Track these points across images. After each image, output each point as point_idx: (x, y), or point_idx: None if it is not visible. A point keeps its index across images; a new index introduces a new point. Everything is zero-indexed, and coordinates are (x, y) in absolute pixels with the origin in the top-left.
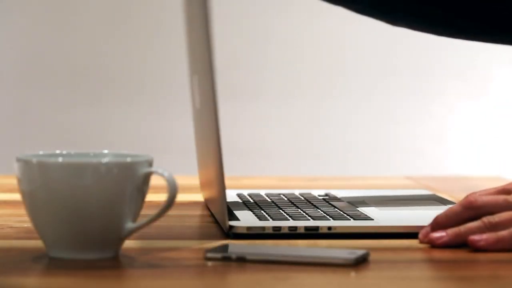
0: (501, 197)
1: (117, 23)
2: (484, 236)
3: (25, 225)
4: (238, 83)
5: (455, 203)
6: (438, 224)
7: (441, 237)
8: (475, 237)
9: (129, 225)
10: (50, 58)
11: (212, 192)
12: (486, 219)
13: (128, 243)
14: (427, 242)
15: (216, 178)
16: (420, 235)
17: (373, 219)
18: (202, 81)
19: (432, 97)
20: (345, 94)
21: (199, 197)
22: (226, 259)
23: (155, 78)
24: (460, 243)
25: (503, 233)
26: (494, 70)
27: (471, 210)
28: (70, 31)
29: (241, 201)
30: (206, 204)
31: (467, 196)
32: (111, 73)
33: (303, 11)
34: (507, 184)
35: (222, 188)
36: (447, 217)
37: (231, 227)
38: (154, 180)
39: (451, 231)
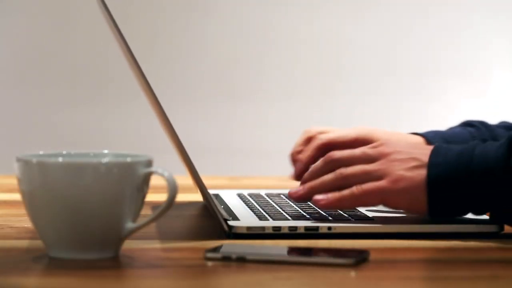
0: (358, 150)
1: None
2: (329, 195)
3: (25, 225)
4: (238, 83)
5: None
6: (304, 180)
7: (297, 191)
8: (318, 197)
9: (129, 225)
10: (50, 58)
11: (201, 193)
12: (339, 171)
13: (128, 243)
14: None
15: (194, 178)
16: (289, 192)
17: (373, 219)
18: (142, 85)
19: (432, 96)
20: (345, 94)
21: (199, 197)
22: (226, 259)
23: (155, 78)
24: (315, 195)
25: (345, 192)
26: (495, 70)
27: (330, 163)
28: (70, 31)
29: (241, 201)
30: (206, 204)
31: (330, 152)
32: (111, 73)
33: (303, 11)
34: (361, 130)
35: (203, 187)
36: (310, 173)
37: (231, 227)
38: (154, 180)
39: (308, 184)
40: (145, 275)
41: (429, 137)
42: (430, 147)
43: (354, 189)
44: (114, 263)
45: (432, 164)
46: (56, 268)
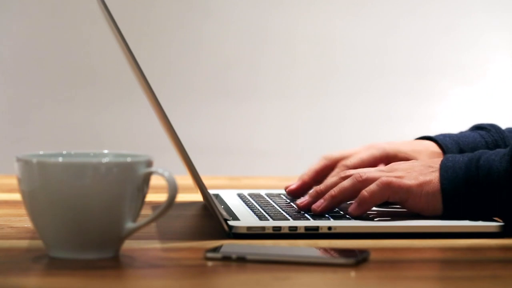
0: (373, 168)
1: (117, 22)
2: (357, 199)
3: (25, 225)
4: (237, 83)
5: None
6: (317, 193)
7: (320, 204)
8: (351, 207)
9: (129, 225)
10: (50, 58)
11: (201, 193)
12: (357, 174)
13: (128, 243)
14: (307, 211)
15: (194, 178)
16: (298, 203)
17: (373, 219)
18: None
19: (430, 97)
20: (344, 93)
21: (199, 197)
22: (226, 259)
23: (155, 78)
24: (338, 205)
25: (371, 187)
26: (493, 70)
27: (346, 178)
28: (70, 31)
29: (241, 201)
30: (206, 204)
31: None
32: (111, 73)
33: (300, 12)
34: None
35: (203, 187)
36: (325, 186)
37: (231, 227)
38: (154, 180)
39: (328, 195)
40: (145, 275)
41: (443, 143)
42: (439, 160)
43: (379, 182)
44: (114, 263)
45: (443, 177)
46: (56, 268)
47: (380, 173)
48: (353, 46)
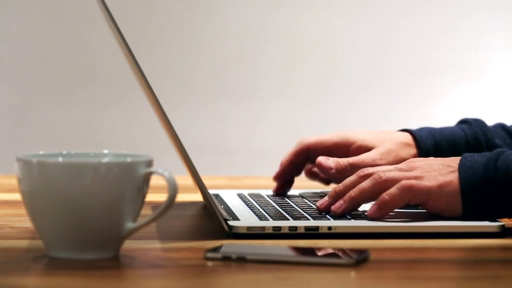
0: (392, 166)
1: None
2: (377, 201)
3: (25, 225)
4: (237, 83)
5: None
6: (337, 194)
7: (340, 205)
8: (371, 209)
9: (129, 225)
10: (50, 58)
11: (201, 193)
12: (377, 175)
13: (128, 243)
14: (327, 213)
15: (194, 178)
16: (318, 204)
17: (373, 219)
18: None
19: (429, 97)
20: (343, 93)
21: (199, 197)
22: (226, 259)
23: (155, 78)
24: (358, 206)
25: (392, 190)
26: (492, 70)
27: (365, 177)
28: (70, 31)
29: (241, 201)
30: (206, 204)
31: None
32: (111, 73)
33: (299, 12)
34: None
35: (203, 187)
36: (344, 186)
37: (231, 227)
38: (154, 180)
39: (347, 196)
40: (145, 275)
41: (418, 134)
42: (458, 159)
43: (399, 185)
44: (114, 263)
45: (463, 177)
46: (56, 268)
47: (400, 173)
48: (353, 46)
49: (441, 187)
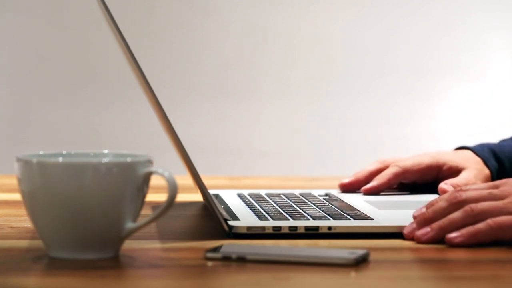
0: (486, 191)
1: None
2: (463, 231)
3: (25, 225)
4: (237, 83)
5: None
6: (425, 220)
7: (426, 233)
8: (452, 235)
9: (129, 225)
10: (50, 58)
11: (201, 193)
12: (468, 207)
13: (128, 243)
14: (412, 239)
15: (194, 178)
16: (405, 231)
17: (373, 219)
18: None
19: (430, 97)
20: (343, 93)
21: (199, 197)
22: (226, 259)
23: (155, 78)
24: (444, 236)
25: (480, 225)
26: (492, 70)
27: (456, 204)
28: (70, 31)
29: (241, 201)
30: (206, 204)
31: (453, 191)
32: (111, 73)
33: (299, 12)
34: (498, 181)
35: (203, 187)
36: (434, 212)
37: (231, 227)
38: (154, 180)
39: (435, 225)
40: (145, 275)
41: (478, 152)
42: None
43: (490, 222)
44: (114, 263)
45: None
46: (56, 268)
47: (493, 204)
48: (353, 46)
49: None
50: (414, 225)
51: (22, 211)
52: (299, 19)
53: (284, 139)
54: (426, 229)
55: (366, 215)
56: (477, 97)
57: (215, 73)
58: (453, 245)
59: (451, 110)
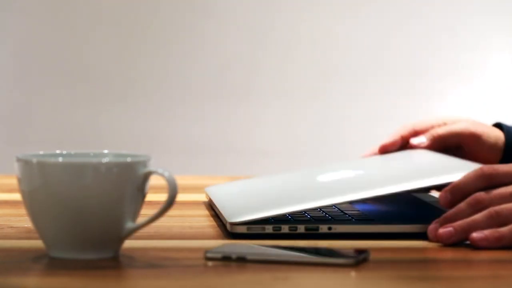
0: (507, 190)
1: (117, 23)
2: (486, 232)
3: (25, 225)
4: (238, 83)
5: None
6: (447, 220)
7: (450, 234)
8: (476, 236)
9: (129, 225)
10: (50, 58)
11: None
12: (492, 209)
13: (128, 243)
14: (436, 241)
15: None
16: (428, 232)
17: (373, 219)
18: None
19: (429, 97)
20: (343, 93)
21: (199, 197)
22: (226, 259)
23: (155, 78)
24: (467, 237)
25: (504, 229)
26: (492, 70)
27: (477, 205)
28: (70, 31)
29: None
30: (210, 204)
31: (475, 194)
32: (111, 73)
33: (299, 12)
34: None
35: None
36: (455, 214)
37: (231, 227)
38: (154, 180)
39: (459, 227)
40: (145, 275)
41: (506, 130)
42: None
43: None
44: (114, 263)
45: None
46: (56, 268)
47: None
48: (353, 46)
49: None
50: (437, 225)
51: (22, 211)
52: (299, 19)
53: (284, 139)
54: (450, 230)
55: (366, 215)
56: (477, 97)
57: (215, 73)
58: (477, 247)
59: (451, 110)
